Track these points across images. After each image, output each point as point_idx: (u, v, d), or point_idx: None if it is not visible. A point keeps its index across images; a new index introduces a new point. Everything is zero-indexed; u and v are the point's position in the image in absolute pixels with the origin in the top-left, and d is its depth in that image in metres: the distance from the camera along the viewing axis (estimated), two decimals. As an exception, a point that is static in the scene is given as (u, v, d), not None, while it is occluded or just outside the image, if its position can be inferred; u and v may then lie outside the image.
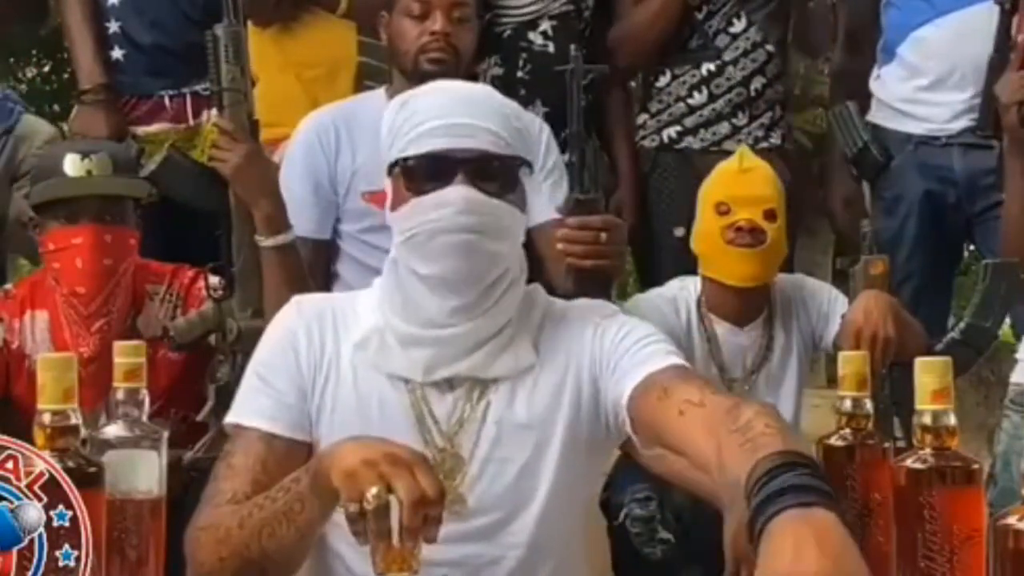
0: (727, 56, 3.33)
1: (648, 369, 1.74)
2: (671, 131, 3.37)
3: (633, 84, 3.60)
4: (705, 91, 3.34)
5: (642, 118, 3.43)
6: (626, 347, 1.79)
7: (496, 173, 1.78)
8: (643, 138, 3.42)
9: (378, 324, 1.82)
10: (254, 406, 1.82)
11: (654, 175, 3.39)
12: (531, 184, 1.87)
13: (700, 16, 3.33)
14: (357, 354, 1.82)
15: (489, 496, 1.78)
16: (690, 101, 3.35)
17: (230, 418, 1.84)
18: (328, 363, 1.82)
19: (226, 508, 1.72)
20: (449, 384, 1.81)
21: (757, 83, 3.35)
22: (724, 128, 3.34)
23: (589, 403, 1.82)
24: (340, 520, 1.57)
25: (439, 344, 1.80)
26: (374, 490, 1.50)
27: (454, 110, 1.79)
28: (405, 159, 1.79)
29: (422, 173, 1.78)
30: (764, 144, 3.34)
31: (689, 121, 3.35)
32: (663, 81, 3.38)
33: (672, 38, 3.34)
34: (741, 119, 3.35)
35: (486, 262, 1.78)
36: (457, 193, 1.75)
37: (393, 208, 1.83)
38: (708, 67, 3.33)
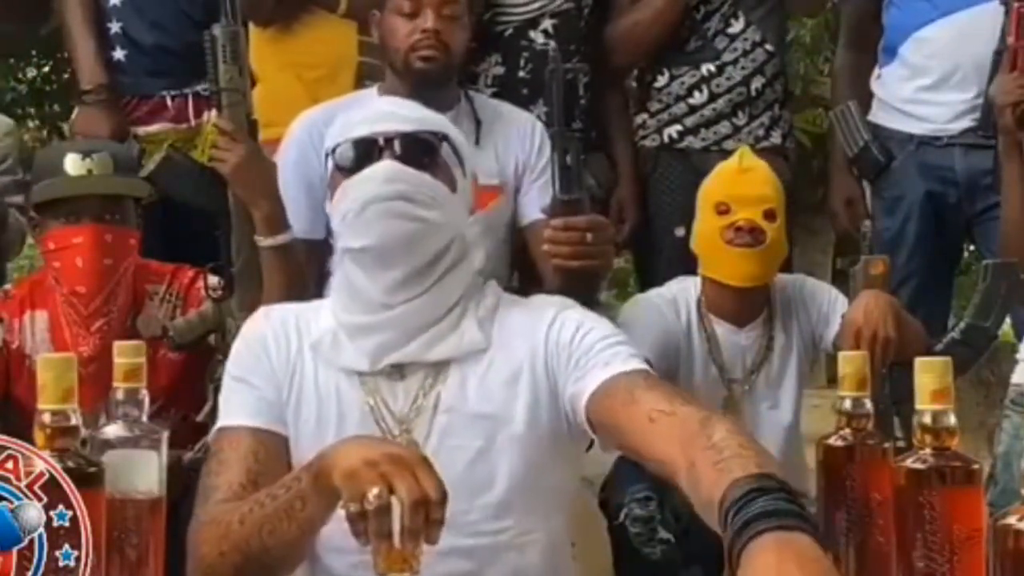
0: (726, 57, 3.32)
1: (611, 371, 1.77)
2: (671, 131, 3.36)
3: (635, 84, 3.59)
4: (705, 91, 3.33)
5: (642, 118, 3.42)
6: (588, 344, 1.81)
7: (418, 149, 1.87)
8: (643, 138, 3.41)
9: (331, 323, 1.88)
10: (236, 407, 1.86)
11: (655, 175, 3.38)
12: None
13: (698, 16, 3.32)
14: (315, 354, 1.87)
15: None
16: (690, 101, 3.34)
17: (216, 425, 1.87)
18: (293, 366, 1.87)
19: (227, 504, 1.74)
20: (400, 373, 1.85)
21: (757, 83, 3.34)
22: (725, 128, 3.34)
23: (547, 395, 1.84)
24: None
25: (383, 328, 1.84)
26: (375, 490, 1.50)
27: (377, 105, 1.98)
28: (335, 147, 1.89)
29: (349, 157, 1.88)
30: (765, 143, 3.33)
31: (690, 121, 3.34)
32: (661, 81, 3.37)
33: (670, 39, 3.34)
34: (741, 118, 3.34)
35: (418, 229, 1.83)
36: (382, 166, 1.84)
37: (331, 200, 1.91)
38: (708, 67, 3.33)
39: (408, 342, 1.84)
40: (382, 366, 1.84)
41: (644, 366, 1.78)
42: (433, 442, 1.82)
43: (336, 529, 1.60)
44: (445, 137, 1.91)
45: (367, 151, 1.86)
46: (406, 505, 1.49)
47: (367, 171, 1.84)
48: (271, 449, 1.80)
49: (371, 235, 1.82)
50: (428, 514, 1.50)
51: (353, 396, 1.85)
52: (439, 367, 1.85)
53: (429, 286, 1.84)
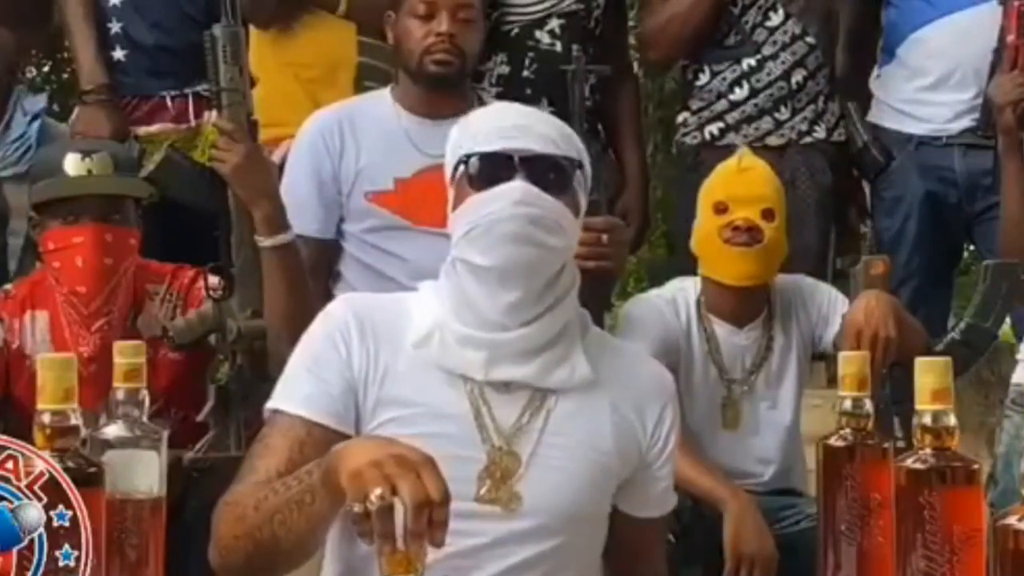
0: (766, 51, 3.30)
1: (653, 512, 1.96)
2: (713, 128, 3.34)
3: (645, 81, 3.57)
4: (746, 86, 3.30)
5: (683, 116, 3.40)
6: (659, 464, 1.92)
7: (552, 173, 1.85)
8: (684, 135, 3.40)
9: (436, 322, 1.85)
10: (297, 394, 1.83)
11: (695, 173, 3.35)
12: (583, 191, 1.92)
13: (736, 11, 3.30)
14: (417, 352, 1.85)
15: (541, 501, 1.82)
16: (731, 97, 3.31)
17: (271, 404, 1.85)
18: (385, 362, 1.84)
19: (251, 488, 1.75)
20: (507, 387, 1.85)
21: (798, 76, 3.32)
22: (767, 123, 3.32)
23: (631, 457, 1.91)
24: None
25: (495, 347, 1.83)
26: (378, 491, 1.49)
27: (511, 116, 1.91)
28: (467, 157, 1.85)
29: (483, 170, 1.84)
30: (808, 138, 3.32)
31: (731, 117, 3.32)
32: (703, 79, 3.35)
33: (709, 34, 3.32)
34: (784, 113, 3.32)
35: (542, 255, 1.82)
36: (517, 186, 1.81)
37: (454, 208, 1.87)
38: (748, 62, 3.30)
39: (521, 364, 1.84)
40: (493, 378, 1.84)
41: (671, 507, 1.98)
42: (536, 462, 1.83)
43: None
44: (580, 164, 1.89)
45: (501, 167, 1.83)
46: (408, 507, 1.48)
47: (499, 189, 1.81)
48: (319, 442, 1.77)
49: (496, 255, 1.80)
50: (431, 516, 1.49)
51: (457, 399, 1.84)
52: (546, 391, 1.86)
53: (544, 311, 1.84)
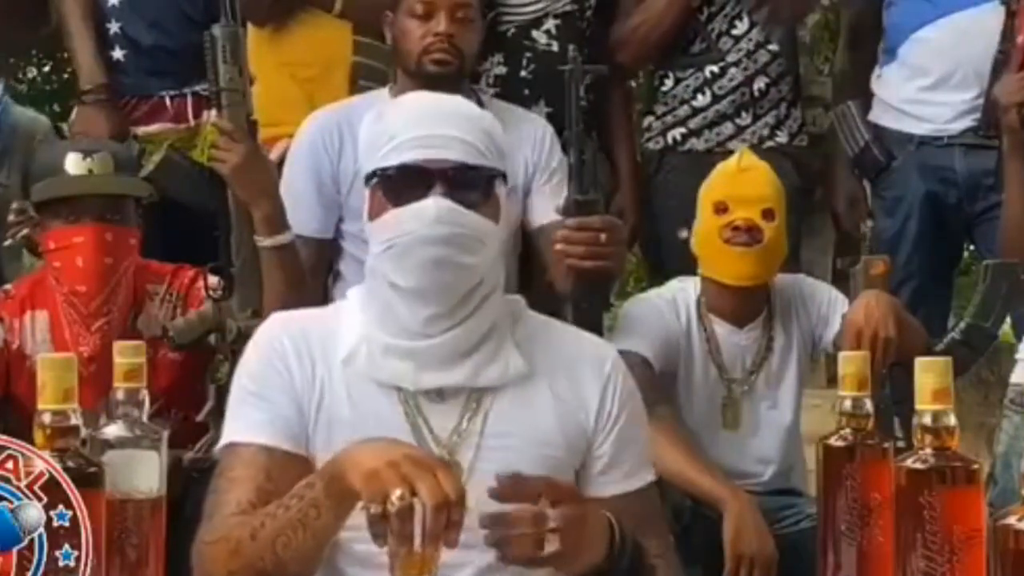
0: (730, 58, 3.31)
1: (624, 488, 1.86)
2: (676, 133, 3.35)
3: (633, 84, 3.58)
4: (708, 93, 3.32)
5: (647, 120, 3.42)
6: (612, 439, 1.85)
7: (472, 184, 1.79)
8: (648, 140, 3.41)
9: (362, 336, 1.82)
10: (250, 422, 1.79)
11: (658, 177, 3.37)
12: (510, 194, 1.89)
13: (702, 18, 3.32)
14: (347, 369, 1.81)
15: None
16: (694, 103, 3.33)
17: (225, 439, 1.80)
18: (320, 382, 1.81)
19: (234, 520, 1.70)
20: (440, 395, 1.81)
21: (760, 83, 3.33)
22: (728, 128, 3.33)
23: (579, 441, 1.85)
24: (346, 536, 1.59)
25: (419, 354, 1.80)
26: (398, 492, 1.48)
27: (430, 122, 1.81)
28: (383, 170, 1.80)
29: (399, 184, 1.79)
30: (770, 143, 3.32)
31: (693, 123, 3.34)
32: (668, 85, 3.36)
33: (676, 40, 3.33)
34: (745, 119, 3.33)
35: (459, 274, 1.78)
36: (434, 204, 1.76)
37: (371, 218, 1.83)
38: (711, 69, 3.32)
39: (451, 368, 1.80)
40: (423, 386, 1.80)
41: (650, 478, 1.89)
42: (480, 466, 1.78)
43: (360, 539, 1.58)
44: (502, 174, 1.83)
45: (418, 181, 1.77)
46: (428, 507, 1.48)
47: (415, 207, 1.76)
48: (285, 468, 1.74)
49: (412, 277, 1.77)
50: (448, 516, 1.49)
51: (394, 414, 1.80)
52: (482, 391, 1.82)
53: (464, 317, 1.80)
